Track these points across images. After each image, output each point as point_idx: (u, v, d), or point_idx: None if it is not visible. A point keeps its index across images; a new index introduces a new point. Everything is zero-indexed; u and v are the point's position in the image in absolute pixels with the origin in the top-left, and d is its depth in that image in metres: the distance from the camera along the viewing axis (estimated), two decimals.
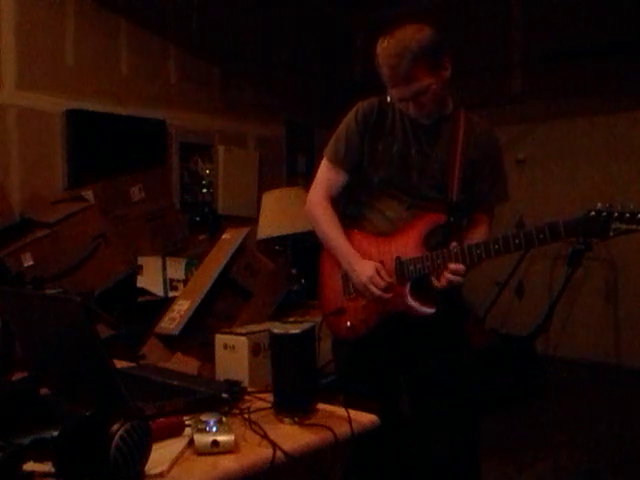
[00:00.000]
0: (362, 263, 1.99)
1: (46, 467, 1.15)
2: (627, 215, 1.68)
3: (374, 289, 1.95)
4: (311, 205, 2.12)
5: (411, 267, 1.94)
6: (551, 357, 5.21)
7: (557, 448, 3.59)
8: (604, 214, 1.70)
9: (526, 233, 1.81)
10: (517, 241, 1.81)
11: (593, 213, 1.72)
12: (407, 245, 1.97)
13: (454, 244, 1.90)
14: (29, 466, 1.16)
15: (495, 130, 2.09)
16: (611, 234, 1.71)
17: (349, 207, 2.16)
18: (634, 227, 1.68)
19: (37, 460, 1.17)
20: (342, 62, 6.35)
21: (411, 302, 1.96)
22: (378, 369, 2.11)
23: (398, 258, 1.97)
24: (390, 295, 1.96)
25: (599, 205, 1.72)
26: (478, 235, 2.00)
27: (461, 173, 1.98)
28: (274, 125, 5.78)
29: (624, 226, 1.69)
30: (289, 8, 5.83)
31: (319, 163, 2.19)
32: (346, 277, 2.06)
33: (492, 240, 1.85)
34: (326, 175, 2.11)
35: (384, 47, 1.88)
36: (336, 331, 2.12)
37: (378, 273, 1.95)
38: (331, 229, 2.07)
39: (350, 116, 2.07)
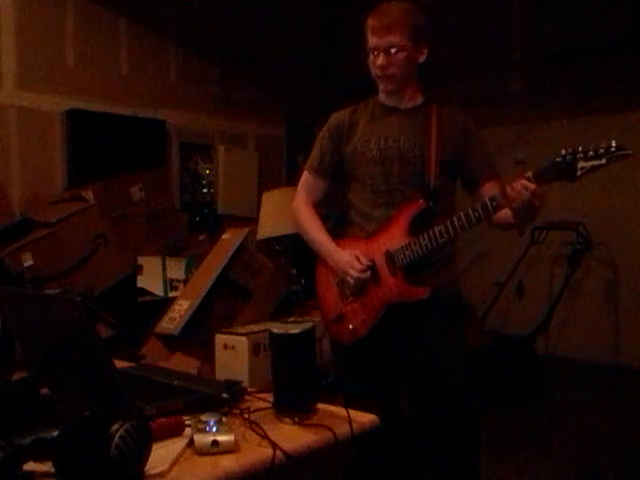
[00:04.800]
0: (340, 252, 2.09)
1: (46, 467, 1.15)
2: (591, 153, 1.74)
3: (352, 271, 2.03)
4: (294, 212, 2.26)
5: (400, 256, 2.01)
6: (551, 357, 5.20)
7: (557, 448, 3.58)
8: (569, 156, 1.76)
9: (502, 192, 1.86)
10: (495, 203, 1.86)
11: (558, 158, 1.78)
12: (394, 237, 2.03)
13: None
14: (29, 466, 1.16)
15: (469, 118, 2.14)
16: (579, 173, 1.76)
17: (339, 218, 2.24)
18: (599, 162, 1.74)
19: (37, 460, 1.16)
20: (341, 62, 6.34)
21: (405, 288, 2.01)
22: (377, 369, 2.12)
23: (387, 251, 2.03)
24: (367, 274, 2.02)
25: (563, 150, 1.78)
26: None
27: (438, 158, 2.03)
28: (274, 125, 5.78)
29: (590, 163, 1.74)
30: (288, 8, 5.83)
31: None
32: (341, 283, 2.12)
33: (471, 209, 1.90)
34: (304, 183, 2.26)
35: (379, 7, 2.05)
36: (339, 337, 2.16)
37: (357, 258, 2.04)
38: (313, 231, 2.19)
39: (324, 127, 2.23)
